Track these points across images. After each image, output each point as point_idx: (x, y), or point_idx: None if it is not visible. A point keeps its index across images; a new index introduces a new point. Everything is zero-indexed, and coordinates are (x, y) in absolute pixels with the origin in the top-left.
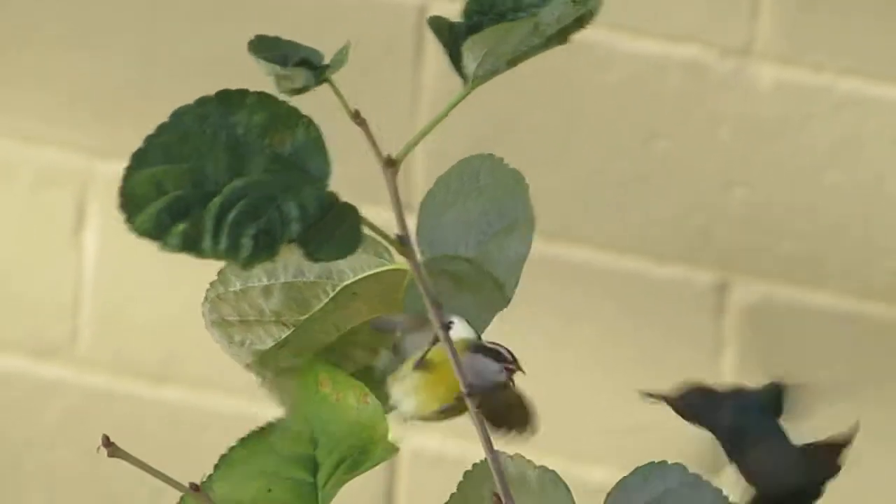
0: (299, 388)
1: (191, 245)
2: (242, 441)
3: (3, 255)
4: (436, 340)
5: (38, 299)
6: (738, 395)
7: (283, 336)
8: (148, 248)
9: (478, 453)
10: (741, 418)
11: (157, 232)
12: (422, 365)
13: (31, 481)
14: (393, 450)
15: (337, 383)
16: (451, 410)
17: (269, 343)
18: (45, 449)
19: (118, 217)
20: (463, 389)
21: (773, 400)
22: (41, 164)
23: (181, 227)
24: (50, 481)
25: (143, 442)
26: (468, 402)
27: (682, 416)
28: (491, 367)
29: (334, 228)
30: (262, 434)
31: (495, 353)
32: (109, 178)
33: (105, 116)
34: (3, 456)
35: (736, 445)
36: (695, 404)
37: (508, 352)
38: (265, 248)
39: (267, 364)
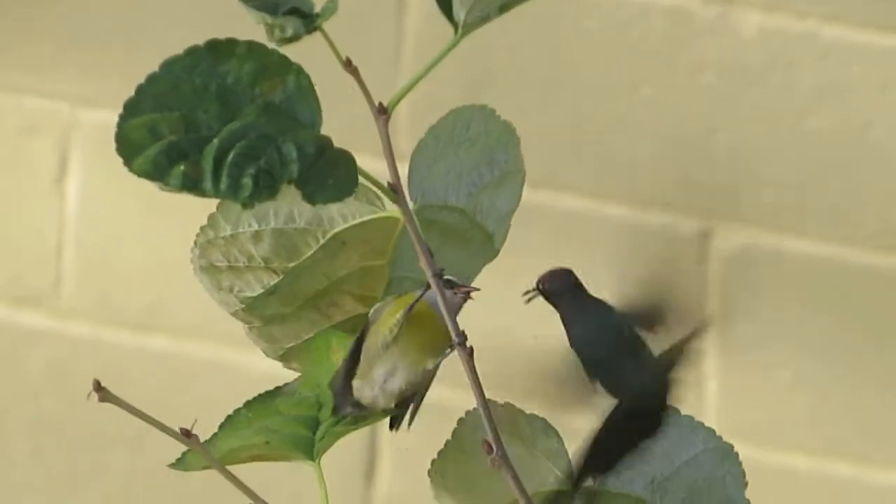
0: (310, 354)
1: (191, 185)
2: (248, 404)
3: None
4: (427, 288)
5: (21, 247)
6: (600, 305)
7: (272, 283)
8: (131, 195)
9: (463, 402)
10: (599, 330)
11: (156, 173)
12: (408, 317)
13: (16, 430)
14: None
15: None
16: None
17: (258, 290)
18: (29, 398)
19: (101, 165)
20: (455, 339)
21: (630, 317)
22: (24, 113)
23: (180, 167)
24: (35, 430)
25: (127, 391)
26: (460, 353)
27: (548, 299)
28: (449, 297)
29: (331, 172)
30: (268, 397)
31: (448, 283)
32: (93, 127)
33: (88, 66)
34: None
35: (594, 357)
36: (558, 288)
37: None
38: (265, 188)
39: (255, 311)
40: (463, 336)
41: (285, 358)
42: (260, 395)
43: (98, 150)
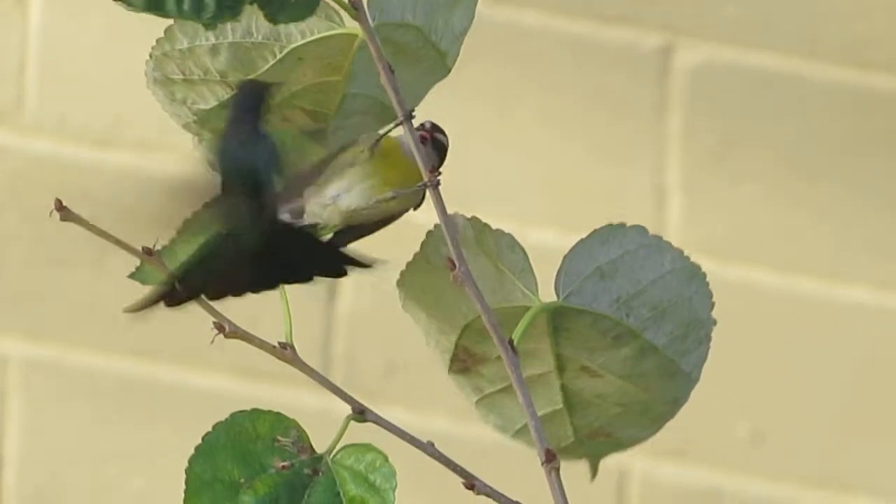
0: None
1: (154, 5)
2: (207, 206)
3: None
4: (398, 124)
5: None
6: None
7: (226, 97)
8: (93, 12)
9: (426, 219)
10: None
11: None
12: (375, 149)
13: None
14: None
15: None
16: (402, 197)
17: (212, 102)
18: None
19: None
20: (424, 170)
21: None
22: None
23: None
24: None
25: (88, 206)
26: (425, 177)
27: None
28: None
29: None
30: None
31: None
32: None
33: None
34: None
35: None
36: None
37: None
38: (227, 8)
39: (206, 124)
40: (434, 169)
41: None
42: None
43: None
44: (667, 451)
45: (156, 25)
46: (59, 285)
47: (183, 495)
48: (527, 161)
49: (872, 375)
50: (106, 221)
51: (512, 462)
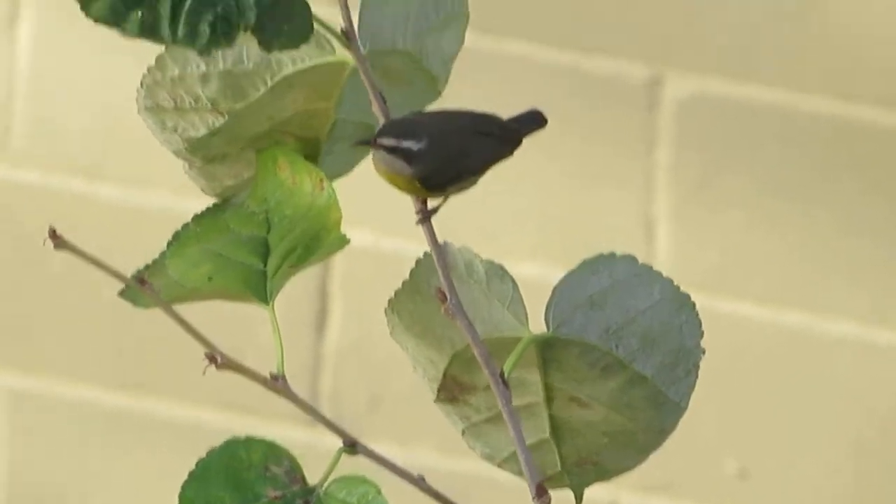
0: (258, 169)
1: (149, 31)
2: (196, 217)
3: None
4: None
5: None
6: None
7: (217, 124)
8: (83, 42)
9: (413, 248)
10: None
11: (113, 18)
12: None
13: None
14: (345, 240)
15: (295, 168)
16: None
17: (203, 131)
18: None
19: (53, 10)
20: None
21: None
22: None
23: (137, 13)
24: None
25: (77, 239)
26: (417, 211)
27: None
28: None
29: (286, 18)
30: (216, 211)
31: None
32: None
33: None
34: None
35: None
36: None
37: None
38: (223, 35)
39: (197, 152)
40: (423, 210)
41: (223, 195)
42: (208, 209)
43: None
44: (654, 486)
45: (146, 54)
46: (48, 317)
47: None
48: (514, 192)
49: (859, 410)
50: (96, 252)
51: (501, 495)
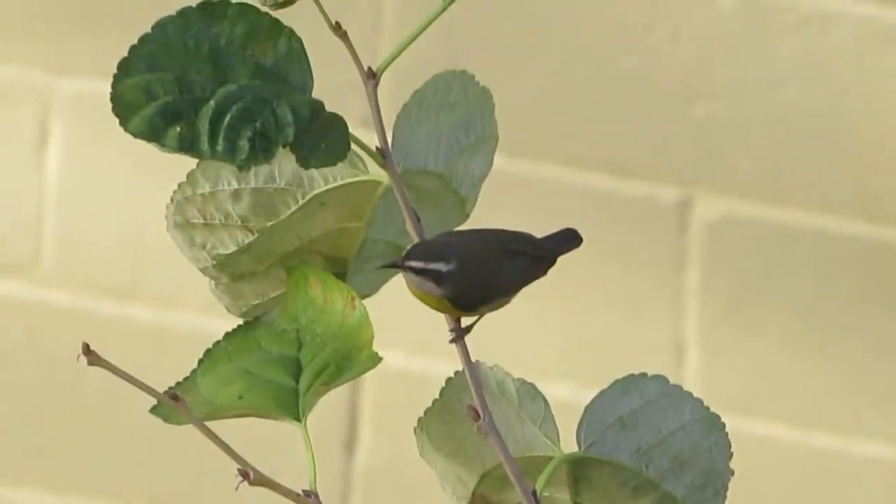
0: (289, 287)
1: (187, 146)
2: (227, 335)
3: None
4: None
5: (1, 217)
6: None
7: (247, 241)
8: (111, 164)
9: (442, 369)
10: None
11: (152, 134)
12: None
13: None
14: (377, 359)
15: (326, 286)
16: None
17: (232, 248)
18: (7, 367)
19: (81, 135)
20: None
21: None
22: (2, 81)
23: (176, 129)
24: (13, 401)
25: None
26: (451, 329)
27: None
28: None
29: (323, 136)
30: (247, 329)
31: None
32: (71, 96)
33: (63, 33)
34: None
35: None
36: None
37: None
38: (262, 151)
39: (225, 269)
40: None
41: (248, 315)
42: (239, 327)
43: (78, 117)
44: None
45: (174, 175)
46: (77, 436)
47: None
48: (543, 313)
49: None
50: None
51: None
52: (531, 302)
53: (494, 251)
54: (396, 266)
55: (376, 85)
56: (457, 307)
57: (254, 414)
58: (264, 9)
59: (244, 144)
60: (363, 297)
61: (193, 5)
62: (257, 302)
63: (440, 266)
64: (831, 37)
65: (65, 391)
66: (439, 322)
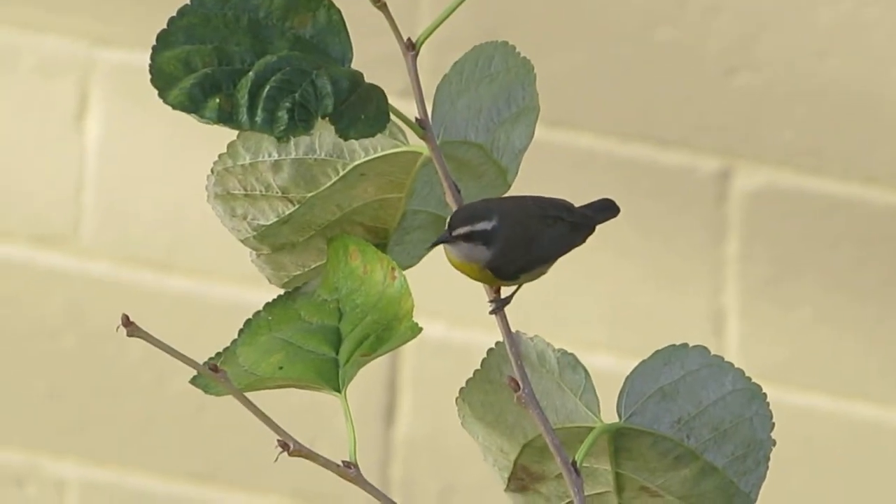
0: (329, 258)
1: (227, 118)
2: (267, 306)
3: (6, 143)
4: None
5: (41, 187)
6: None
7: (287, 212)
8: (151, 134)
9: (483, 340)
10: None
11: (191, 105)
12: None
13: (34, 370)
14: (417, 329)
15: (366, 256)
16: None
17: (272, 218)
18: (47, 338)
19: (121, 104)
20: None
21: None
22: (43, 52)
23: (215, 100)
24: (53, 371)
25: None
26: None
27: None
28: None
29: (363, 107)
30: (288, 300)
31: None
32: (111, 66)
33: (103, 5)
34: (6, 346)
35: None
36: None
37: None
38: (301, 122)
39: (265, 240)
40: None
41: (289, 285)
42: (280, 297)
43: (118, 88)
44: None
45: (213, 146)
46: (117, 408)
47: None
48: (583, 285)
49: None
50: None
51: None
52: (571, 272)
53: (534, 215)
54: (446, 241)
55: (416, 56)
56: (498, 276)
57: (294, 385)
58: None
59: (283, 115)
60: (405, 267)
61: None
62: (298, 272)
63: (485, 225)
64: (873, 7)
65: (104, 363)
66: (480, 293)
